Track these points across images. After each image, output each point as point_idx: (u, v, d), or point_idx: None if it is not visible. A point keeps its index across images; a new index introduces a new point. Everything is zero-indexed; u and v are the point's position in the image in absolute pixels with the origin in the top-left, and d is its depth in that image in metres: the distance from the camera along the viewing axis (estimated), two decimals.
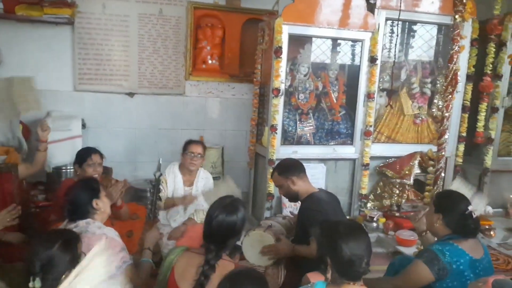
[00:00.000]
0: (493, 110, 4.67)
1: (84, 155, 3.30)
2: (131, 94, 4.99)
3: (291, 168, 3.00)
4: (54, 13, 4.38)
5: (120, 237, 2.49)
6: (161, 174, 3.19)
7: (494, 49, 4.48)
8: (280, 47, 4.03)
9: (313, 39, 4.38)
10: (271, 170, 4.15)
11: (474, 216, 2.41)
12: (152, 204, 2.75)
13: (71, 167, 4.31)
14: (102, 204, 2.47)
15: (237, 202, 2.23)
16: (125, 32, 4.86)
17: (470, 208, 2.41)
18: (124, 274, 2.28)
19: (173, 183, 3.58)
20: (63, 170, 4.35)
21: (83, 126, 4.65)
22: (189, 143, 3.60)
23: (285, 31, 4.05)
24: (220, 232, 2.10)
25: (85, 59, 4.78)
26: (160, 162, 2.86)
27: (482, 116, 4.61)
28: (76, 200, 2.41)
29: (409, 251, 3.65)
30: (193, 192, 3.59)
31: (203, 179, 3.66)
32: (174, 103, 5.17)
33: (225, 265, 2.02)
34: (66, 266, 1.84)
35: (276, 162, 4.15)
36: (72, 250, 1.90)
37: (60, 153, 4.30)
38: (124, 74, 4.94)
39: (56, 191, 3.49)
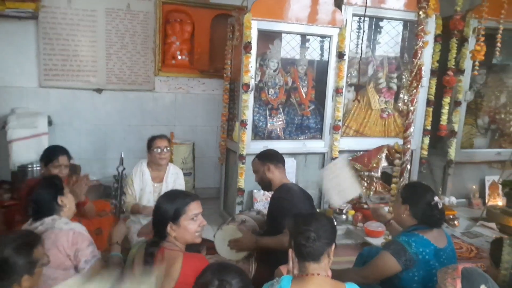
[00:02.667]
0: (456, 104, 4.81)
1: (50, 156, 3.22)
2: (99, 90, 4.91)
3: (271, 156, 3.11)
4: (17, 7, 4.25)
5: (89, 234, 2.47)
6: (124, 169, 3.15)
7: (456, 45, 4.61)
8: (250, 43, 4.05)
9: (283, 34, 4.41)
10: (242, 165, 4.21)
11: (439, 207, 2.50)
12: (116, 199, 2.72)
13: (37, 166, 4.21)
14: (67, 201, 2.45)
15: (173, 193, 2.23)
16: (92, 27, 4.77)
17: (436, 199, 2.50)
18: (94, 269, 2.27)
19: (141, 181, 3.53)
20: (29, 169, 4.24)
21: (50, 123, 4.54)
22: (153, 139, 3.56)
23: (254, 26, 4.07)
24: (155, 215, 2.15)
25: (51, 54, 4.67)
26: (122, 156, 2.82)
27: (445, 109, 4.74)
28: (40, 198, 2.37)
29: (377, 241, 3.74)
30: (163, 188, 3.56)
31: (173, 175, 3.64)
32: (143, 99, 5.11)
33: (172, 255, 2.02)
34: (21, 270, 1.79)
35: (247, 158, 4.20)
36: (27, 254, 1.83)
37: (26, 151, 4.19)
38: (92, 70, 4.85)
39: (21, 191, 3.40)
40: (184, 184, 3.75)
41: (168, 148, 3.58)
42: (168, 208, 2.09)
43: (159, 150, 3.51)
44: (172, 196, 2.17)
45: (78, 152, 4.74)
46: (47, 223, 2.30)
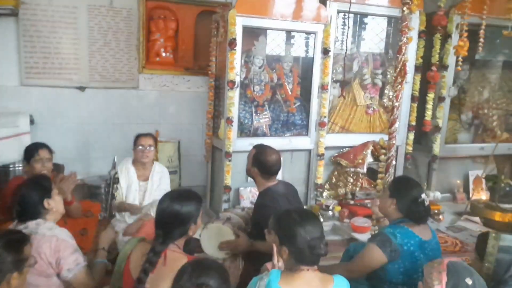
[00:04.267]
0: (440, 99, 4.84)
1: (31, 151, 3.19)
2: (82, 88, 4.83)
3: (265, 168, 2.98)
4: None
5: (74, 236, 2.42)
6: (116, 173, 3.12)
7: (440, 41, 4.65)
8: (234, 39, 4.02)
9: (267, 31, 4.39)
10: (228, 163, 4.18)
11: (426, 204, 2.53)
12: (107, 203, 2.70)
13: (19, 165, 4.14)
14: (54, 204, 2.38)
15: (189, 194, 2.21)
16: (73, 24, 4.69)
17: (423, 196, 2.53)
18: (77, 277, 2.23)
19: (127, 178, 3.51)
20: (11, 169, 4.17)
21: (31, 122, 4.46)
22: (138, 136, 3.56)
23: (239, 23, 4.04)
24: (164, 218, 2.11)
25: (32, 52, 4.58)
26: (115, 160, 2.78)
27: (430, 105, 4.78)
28: (25, 200, 2.31)
29: (364, 237, 3.75)
30: (148, 186, 3.54)
31: (159, 173, 3.62)
32: (127, 97, 5.05)
33: (176, 258, 2.00)
34: (7, 267, 1.78)
35: (233, 155, 4.17)
36: (17, 251, 1.83)
37: (7, 151, 4.11)
38: (74, 67, 4.77)
39: (4, 190, 3.35)
40: (169, 183, 3.73)
41: (153, 147, 3.55)
42: (184, 211, 2.12)
43: (143, 147, 3.49)
44: (177, 195, 2.18)
45: (61, 152, 4.65)
46: (31, 228, 2.24)
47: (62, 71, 4.73)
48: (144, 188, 3.55)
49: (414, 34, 4.42)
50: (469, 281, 1.79)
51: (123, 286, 2.09)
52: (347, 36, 4.39)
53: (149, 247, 2.08)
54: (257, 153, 3.02)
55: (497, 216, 4.28)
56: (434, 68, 4.48)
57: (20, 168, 4.14)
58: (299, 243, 1.88)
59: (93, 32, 4.79)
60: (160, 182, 3.63)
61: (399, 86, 3.47)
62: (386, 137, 3.71)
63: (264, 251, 2.84)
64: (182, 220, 2.09)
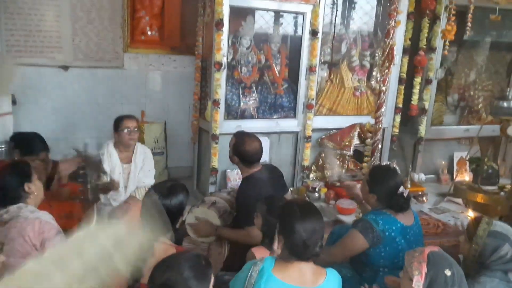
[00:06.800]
0: (427, 81, 4.84)
1: (34, 149, 3.17)
2: (65, 68, 4.73)
3: (247, 157, 2.98)
4: None
5: (58, 219, 2.42)
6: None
7: (428, 25, 4.62)
8: (221, 20, 3.94)
9: (255, 11, 4.32)
10: (215, 145, 4.17)
11: (405, 195, 2.56)
12: (85, 185, 2.73)
13: (2, 146, 4.07)
14: (35, 188, 2.38)
15: (177, 188, 2.21)
16: (55, 0, 4.55)
17: (401, 189, 2.55)
18: None
19: (110, 162, 3.49)
20: None
21: (14, 102, 4.36)
22: (121, 119, 3.50)
23: (226, 2, 3.95)
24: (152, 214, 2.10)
25: (12, 29, 4.45)
26: (86, 142, 2.82)
27: (416, 89, 4.79)
28: (6, 185, 2.30)
29: (349, 219, 3.81)
30: (132, 168, 3.53)
31: (142, 155, 3.61)
32: (112, 77, 4.95)
33: (166, 249, 2.01)
34: None
35: (220, 137, 4.14)
36: None
37: None
38: (57, 46, 4.65)
39: None
40: (153, 164, 3.73)
41: (137, 129, 3.52)
42: (174, 208, 2.19)
43: (129, 130, 3.45)
44: (167, 191, 2.20)
45: (45, 133, 4.54)
46: (12, 211, 2.24)
47: (44, 50, 4.61)
48: (127, 171, 3.54)
49: (403, 16, 4.39)
50: (448, 272, 1.84)
51: None
52: (335, 17, 4.32)
53: None
54: (237, 143, 3.02)
55: (479, 198, 4.35)
56: (421, 52, 4.47)
57: (3, 149, 4.07)
58: (294, 239, 1.88)
59: (76, 9, 4.65)
60: (143, 163, 3.62)
61: (387, 70, 3.47)
62: (372, 121, 3.71)
63: (229, 238, 2.88)
64: (172, 215, 2.10)
